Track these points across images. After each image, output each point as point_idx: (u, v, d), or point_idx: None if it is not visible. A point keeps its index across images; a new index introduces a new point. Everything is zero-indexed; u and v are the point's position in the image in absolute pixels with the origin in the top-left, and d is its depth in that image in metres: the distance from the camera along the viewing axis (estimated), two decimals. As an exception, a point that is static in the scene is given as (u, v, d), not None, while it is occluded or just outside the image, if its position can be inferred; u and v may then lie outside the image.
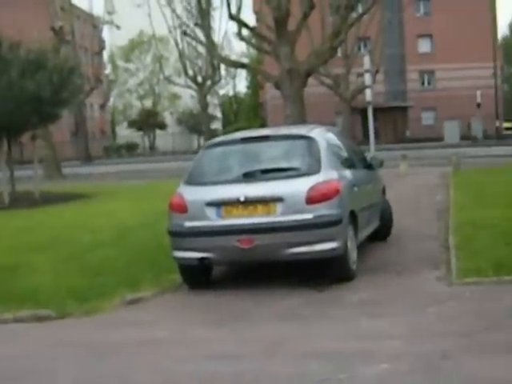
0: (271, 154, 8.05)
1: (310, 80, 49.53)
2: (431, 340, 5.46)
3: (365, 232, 8.82)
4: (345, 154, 8.87)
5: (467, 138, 49.83)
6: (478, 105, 51.60)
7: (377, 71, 49.75)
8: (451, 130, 50.94)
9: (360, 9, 41.70)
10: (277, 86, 27.62)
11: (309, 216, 7.25)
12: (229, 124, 78.42)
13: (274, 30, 26.52)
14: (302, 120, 30.95)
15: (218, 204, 7.51)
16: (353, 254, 7.88)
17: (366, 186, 9.22)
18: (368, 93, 31.20)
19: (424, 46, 58.95)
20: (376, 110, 54.55)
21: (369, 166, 9.75)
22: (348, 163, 8.69)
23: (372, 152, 30.21)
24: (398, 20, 57.13)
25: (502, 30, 76.14)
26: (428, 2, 58.05)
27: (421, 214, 12.85)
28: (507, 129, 62.14)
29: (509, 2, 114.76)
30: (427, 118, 58.06)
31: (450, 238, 9.46)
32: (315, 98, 53.79)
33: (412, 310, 6.53)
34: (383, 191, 10.57)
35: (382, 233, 10.06)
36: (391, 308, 6.65)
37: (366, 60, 32.12)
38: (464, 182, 17.55)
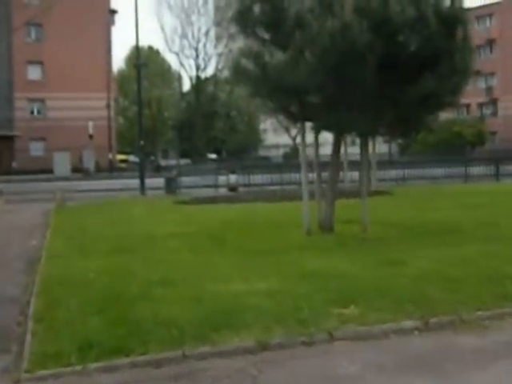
0: None
1: None
2: None
3: None
4: None
5: (79, 170, 48.66)
6: (91, 136, 51.05)
7: (-19, 97, 45.88)
8: (61, 162, 48.98)
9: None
10: None
11: None
12: None
13: None
14: None
15: None
16: None
17: None
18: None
19: (34, 73, 56.16)
20: (-21, 139, 50.49)
21: None
22: None
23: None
24: (6, 44, 53.69)
25: (118, 63, 77.70)
26: (40, 28, 55.58)
27: (7, 266, 10.61)
28: (122, 161, 63.16)
29: (126, 37, 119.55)
30: (36, 149, 54.86)
31: (32, 303, 7.52)
32: None
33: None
34: None
35: None
36: None
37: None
38: (66, 222, 15.90)
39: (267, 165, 40.31)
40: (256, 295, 7.06)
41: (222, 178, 28.65)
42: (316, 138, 12.72)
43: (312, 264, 8.76)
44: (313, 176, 13.53)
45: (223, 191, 27.57)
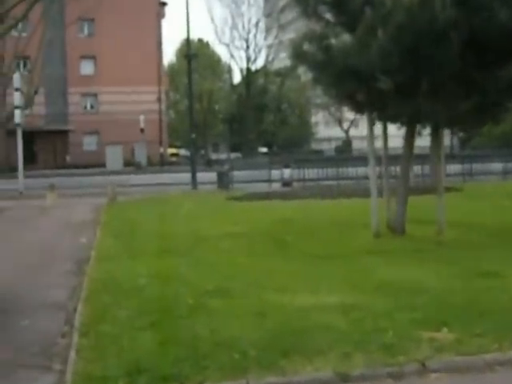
0: None
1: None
2: None
3: None
4: None
5: (131, 164, 48.45)
6: (142, 130, 50.79)
7: (35, 92, 46.08)
8: (114, 156, 48.85)
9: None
10: None
11: None
12: None
13: None
14: None
15: None
16: None
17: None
18: (17, 114, 27.58)
19: (87, 67, 56.30)
20: (35, 134, 50.76)
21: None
22: None
23: (21, 179, 26.64)
24: (60, 39, 53.89)
25: (169, 57, 77.51)
26: (92, 23, 55.69)
27: (55, 266, 9.97)
28: (173, 155, 62.91)
29: (176, 30, 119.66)
30: (89, 143, 55.00)
31: (78, 311, 6.79)
32: (-33, 120, 47.88)
33: None
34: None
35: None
36: None
37: (17, 78, 28.56)
38: (117, 218, 15.27)
39: (321, 158, 38.99)
40: (328, 311, 6.12)
41: (274, 173, 27.71)
42: (384, 129, 11.68)
43: (387, 273, 7.76)
44: (378, 171, 12.48)
45: (276, 186, 26.67)
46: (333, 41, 10.21)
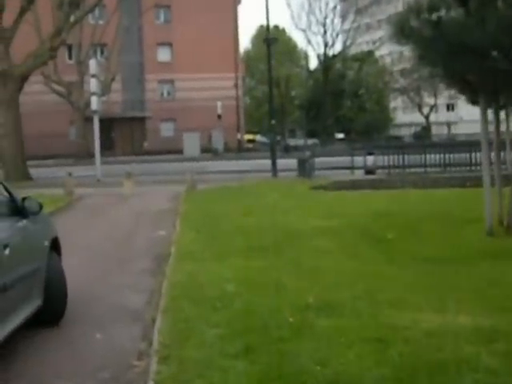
0: None
1: (41, 87, 44.74)
2: None
3: (10, 323, 5.05)
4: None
5: (208, 150, 47.92)
6: (219, 116, 50.15)
7: (112, 79, 46.26)
8: (191, 143, 48.41)
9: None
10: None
11: None
12: None
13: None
14: (16, 128, 26.63)
15: None
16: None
17: (14, 245, 5.26)
18: (94, 100, 27.28)
19: (164, 54, 56.02)
20: (112, 120, 50.94)
21: (20, 213, 5.78)
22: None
23: (98, 166, 26.37)
24: (137, 27, 53.86)
25: (244, 44, 76.90)
26: (168, 10, 55.35)
27: (131, 264, 9.12)
28: (249, 141, 62.18)
29: (252, 17, 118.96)
30: (167, 130, 54.79)
31: (157, 325, 5.81)
32: (47, 107, 48.57)
33: None
34: (54, 248, 6.52)
35: (48, 315, 6.09)
36: None
37: (93, 64, 28.26)
38: (197, 208, 14.37)
39: (404, 145, 37.20)
40: (464, 338, 4.88)
41: (356, 160, 26.30)
42: (496, 113, 10.27)
43: (524, 284, 6.45)
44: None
45: (359, 174, 25.33)
46: (443, 14, 8.88)
